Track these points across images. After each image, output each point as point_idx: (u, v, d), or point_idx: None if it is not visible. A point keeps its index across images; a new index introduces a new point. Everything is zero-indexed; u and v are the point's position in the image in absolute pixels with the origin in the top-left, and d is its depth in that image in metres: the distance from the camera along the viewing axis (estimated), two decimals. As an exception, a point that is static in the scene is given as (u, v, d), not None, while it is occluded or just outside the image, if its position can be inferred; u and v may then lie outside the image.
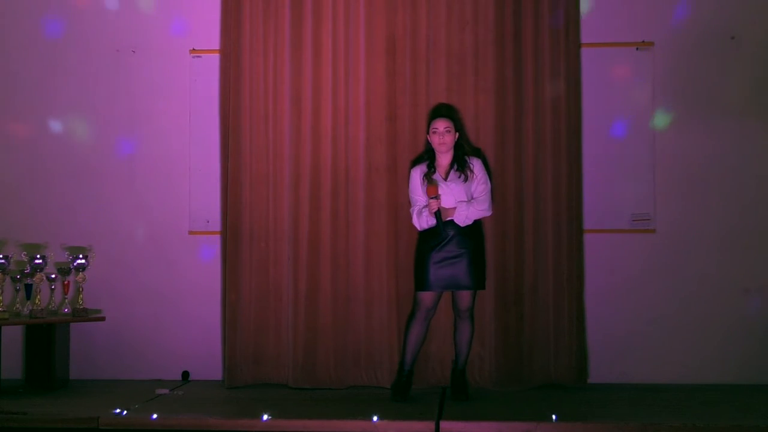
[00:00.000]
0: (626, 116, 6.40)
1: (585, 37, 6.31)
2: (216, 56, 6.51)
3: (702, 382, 6.21)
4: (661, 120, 6.39)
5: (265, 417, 5.14)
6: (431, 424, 5.05)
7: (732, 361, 6.26)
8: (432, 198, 5.58)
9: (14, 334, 6.36)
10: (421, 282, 5.68)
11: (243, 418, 5.21)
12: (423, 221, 5.68)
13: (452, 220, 5.64)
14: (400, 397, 5.72)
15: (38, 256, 6.20)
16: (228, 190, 6.30)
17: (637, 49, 6.42)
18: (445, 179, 5.70)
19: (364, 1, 6.27)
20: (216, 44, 6.50)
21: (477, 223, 5.74)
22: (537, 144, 6.20)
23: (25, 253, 6.23)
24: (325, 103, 6.26)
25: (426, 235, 5.71)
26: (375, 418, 5.10)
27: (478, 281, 5.70)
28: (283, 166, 6.28)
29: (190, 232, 6.54)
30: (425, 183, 5.64)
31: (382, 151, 6.21)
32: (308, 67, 6.27)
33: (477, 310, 6.11)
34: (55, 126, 6.63)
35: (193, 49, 6.59)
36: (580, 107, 6.26)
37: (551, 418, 5.10)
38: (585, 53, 6.31)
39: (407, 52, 6.26)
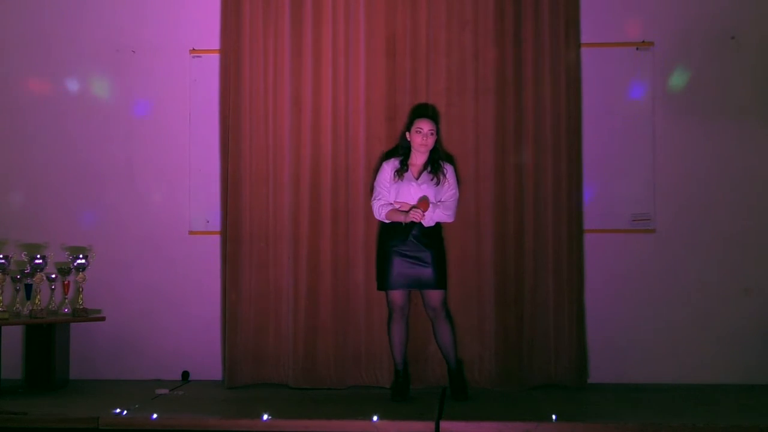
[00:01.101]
0: (626, 116, 6.40)
1: (585, 37, 6.31)
2: (216, 56, 6.51)
3: (702, 382, 6.21)
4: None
5: (265, 417, 5.14)
6: (431, 424, 5.05)
7: (732, 361, 6.26)
8: (418, 210, 5.58)
9: (14, 334, 6.36)
10: (384, 281, 5.72)
11: (243, 418, 5.21)
12: (382, 216, 5.72)
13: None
14: (400, 397, 5.72)
15: (38, 256, 6.19)
16: (228, 190, 6.30)
17: (637, 49, 6.42)
18: (417, 178, 5.72)
19: (364, 1, 6.27)
20: (216, 44, 6.50)
21: (438, 226, 5.76)
22: (537, 144, 6.20)
23: (25, 253, 6.23)
24: (325, 103, 6.26)
25: (387, 234, 5.74)
26: (375, 418, 5.10)
27: (441, 281, 5.71)
28: (283, 166, 6.28)
29: (190, 232, 6.54)
30: (420, 200, 5.62)
31: (382, 150, 6.21)
32: (308, 66, 6.27)
33: (477, 310, 6.13)
34: (56, 126, 6.62)
35: (193, 49, 6.59)
36: (580, 107, 6.26)
37: (551, 418, 5.10)
38: (585, 53, 6.31)
39: (407, 52, 6.26)
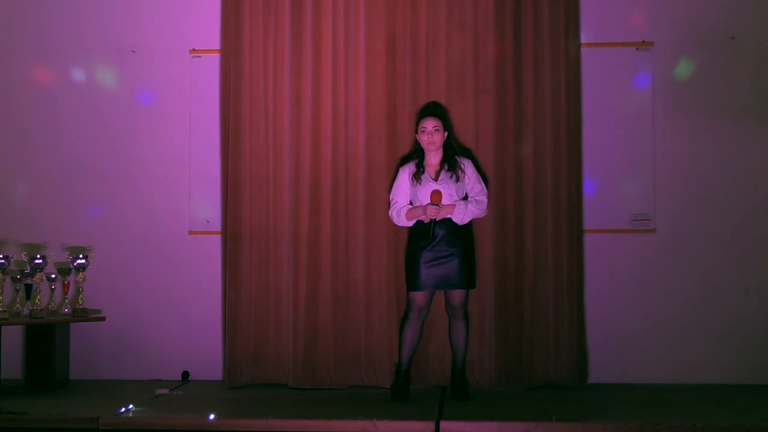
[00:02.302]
0: (626, 116, 6.40)
1: (585, 37, 6.31)
2: (216, 56, 6.51)
3: (702, 382, 6.21)
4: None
5: (265, 417, 5.14)
6: (431, 424, 5.05)
7: (732, 361, 6.26)
8: (434, 204, 5.57)
9: (14, 334, 6.36)
10: (413, 282, 5.69)
11: (243, 418, 5.21)
12: (402, 220, 5.69)
13: (443, 220, 5.63)
14: (400, 397, 5.72)
15: (38, 256, 6.20)
16: (228, 190, 6.30)
17: (637, 49, 6.42)
18: (435, 179, 5.70)
19: (364, 1, 6.27)
20: (216, 44, 6.50)
21: (469, 224, 5.75)
22: (537, 144, 6.20)
23: (25, 253, 6.23)
24: (325, 103, 6.26)
25: (416, 234, 5.71)
26: (375, 418, 5.09)
27: (469, 280, 5.70)
28: (283, 167, 6.28)
29: (190, 232, 6.54)
30: (433, 194, 5.59)
31: (382, 151, 6.22)
32: (308, 67, 6.27)
33: (477, 310, 6.13)
34: (56, 126, 6.62)
35: (193, 49, 6.59)
36: (580, 107, 6.26)
37: (551, 418, 5.10)
38: (585, 53, 6.31)
39: (407, 52, 6.26)
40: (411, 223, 5.71)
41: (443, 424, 5.05)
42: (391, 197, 5.80)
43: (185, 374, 6.47)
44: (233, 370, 6.20)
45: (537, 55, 6.23)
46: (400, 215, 5.71)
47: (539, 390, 6.07)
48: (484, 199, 5.73)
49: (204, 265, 6.49)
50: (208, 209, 6.51)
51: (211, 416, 5.17)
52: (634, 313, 6.31)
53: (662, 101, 6.40)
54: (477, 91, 6.23)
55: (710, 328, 6.29)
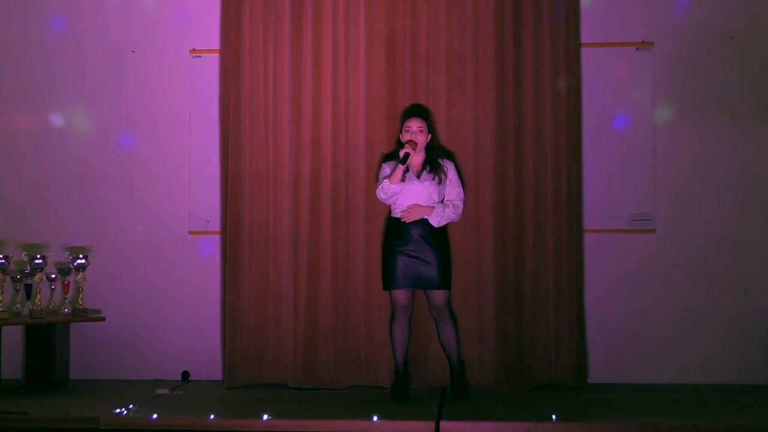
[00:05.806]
0: (626, 116, 6.40)
1: (585, 37, 6.31)
2: (216, 56, 6.51)
3: (702, 382, 6.21)
4: (663, 115, 6.37)
5: (265, 417, 5.14)
6: (431, 424, 5.05)
7: (732, 361, 6.26)
8: (411, 142, 5.59)
9: (14, 334, 6.36)
10: (389, 281, 5.71)
11: (243, 418, 5.22)
12: (387, 187, 5.61)
13: (420, 221, 5.65)
14: (400, 397, 5.72)
15: (38, 256, 6.20)
16: (228, 190, 6.30)
17: (637, 49, 6.42)
18: (418, 178, 5.72)
19: (364, 1, 6.27)
20: (216, 44, 6.51)
21: (444, 226, 5.75)
22: (537, 144, 6.21)
23: (25, 253, 6.23)
24: (325, 103, 6.27)
25: (392, 233, 5.74)
26: (375, 418, 5.10)
27: (446, 281, 5.71)
28: (283, 166, 6.28)
29: (190, 232, 6.54)
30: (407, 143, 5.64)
31: (382, 151, 6.21)
32: (308, 67, 6.27)
33: (477, 310, 6.13)
34: (56, 126, 6.63)
35: (193, 49, 6.59)
36: (580, 107, 6.26)
37: (551, 418, 5.10)
38: (585, 53, 6.31)
39: (407, 52, 6.27)
40: (397, 189, 5.62)
41: (443, 424, 5.05)
42: (378, 185, 5.78)
43: (185, 374, 6.47)
44: (233, 370, 6.20)
45: (537, 55, 6.23)
46: (384, 186, 5.64)
47: (539, 390, 6.07)
48: (461, 204, 5.76)
49: (204, 265, 6.49)
50: (208, 209, 6.50)
51: (211, 416, 5.18)
52: (634, 313, 6.31)
53: (662, 101, 6.40)
54: (477, 91, 6.23)
55: (710, 328, 6.29)
